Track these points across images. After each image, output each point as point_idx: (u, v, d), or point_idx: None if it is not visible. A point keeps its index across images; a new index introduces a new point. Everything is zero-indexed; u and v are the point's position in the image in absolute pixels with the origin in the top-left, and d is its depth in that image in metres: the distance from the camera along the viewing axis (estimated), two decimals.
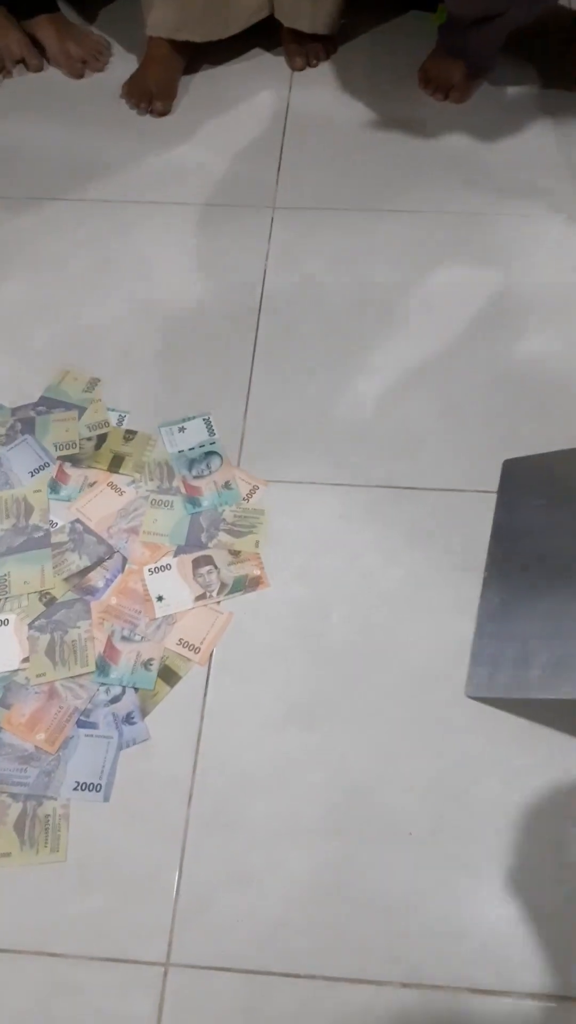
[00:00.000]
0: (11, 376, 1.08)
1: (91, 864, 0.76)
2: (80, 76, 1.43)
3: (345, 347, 1.10)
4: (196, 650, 0.88)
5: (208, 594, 0.91)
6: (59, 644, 0.88)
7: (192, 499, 0.98)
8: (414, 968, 0.71)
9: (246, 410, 1.05)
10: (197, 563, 0.93)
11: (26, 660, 0.87)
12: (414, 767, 0.80)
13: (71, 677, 0.86)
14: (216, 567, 0.93)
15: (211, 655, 0.87)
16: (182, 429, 1.03)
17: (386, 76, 1.41)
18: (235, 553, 0.94)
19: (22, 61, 1.43)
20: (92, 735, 0.83)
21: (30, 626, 0.89)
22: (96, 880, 0.76)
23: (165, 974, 0.72)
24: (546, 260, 1.17)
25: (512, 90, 1.38)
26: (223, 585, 0.92)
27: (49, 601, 0.91)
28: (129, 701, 0.85)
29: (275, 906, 0.74)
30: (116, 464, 1.00)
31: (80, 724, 0.83)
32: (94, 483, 0.99)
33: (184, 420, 1.04)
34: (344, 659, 0.87)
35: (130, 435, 1.03)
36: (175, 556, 0.93)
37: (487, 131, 1.32)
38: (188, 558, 0.93)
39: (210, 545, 0.94)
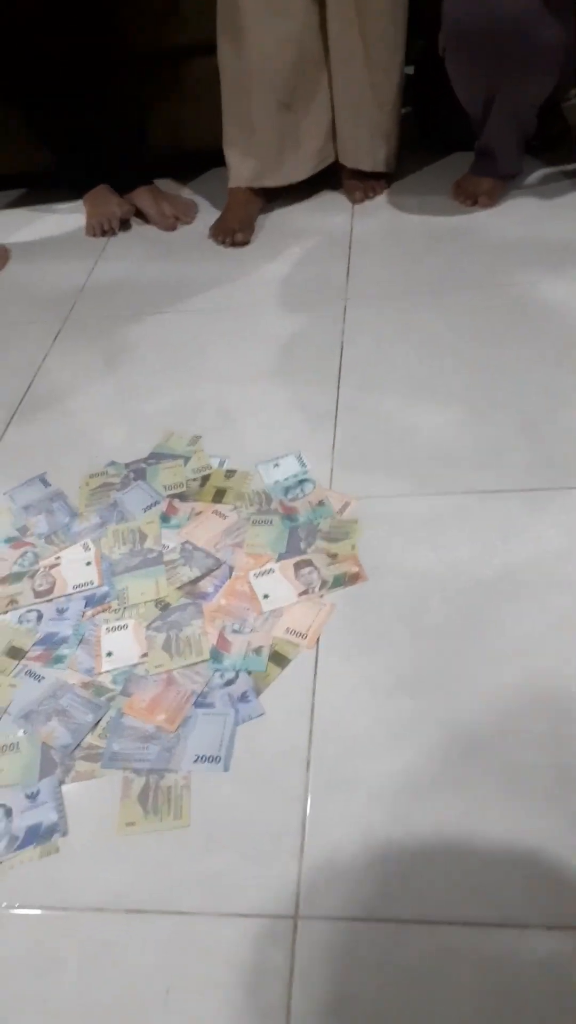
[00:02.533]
0: (124, 441, 1.22)
1: (215, 828, 0.77)
2: (173, 229, 1.71)
3: (419, 391, 1.20)
4: (303, 636, 0.91)
5: (310, 590, 0.96)
6: (175, 640, 0.93)
7: (290, 516, 1.05)
8: (561, 912, 0.67)
9: (333, 446, 1.15)
10: (298, 566, 0.99)
11: (145, 655, 0.92)
12: (531, 723, 0.80)
13: (187, 666, 0.90)
14: (316, 568, 0.98)
15: (318, 640, 0.91)
16: (277, 465, 1.13)
17: (434, 200, 1.64)
18: (333, 555, 0.99)
19: (124, 222, 1.73)
20: (209, 714, 0.86)
21: (147, 628, 0.95)
22: (221, 842, 0.76)
23: (295, 927, 0.69)
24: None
25: (534, 188, 1.59)
26: (324, 582, 0.97)
27: (164, 607, 0.97)
28: (243, 683, 0.88)
29: (403, 857, 0.72)
30: (219, 496, 1.10)
31: (198, 705, 0.87)
32: (200, 512, 1.08)
33: (278, 458, 1.14)
34: (446, 636, 0.89)
35: (230, 473, 1.13)
36: (277, 562, 1.00)
37: (516, 224, 1.51)
38: (289, 563, 0.99)
39: (309, 551, 1.01)
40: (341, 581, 0.96)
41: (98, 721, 0.87)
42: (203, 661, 0.90)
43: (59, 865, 0.76)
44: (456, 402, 1.17)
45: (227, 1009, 0.66)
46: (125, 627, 0.95)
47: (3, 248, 1.74)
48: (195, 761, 0.82)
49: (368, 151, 1.59)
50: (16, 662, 0.94)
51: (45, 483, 1.17)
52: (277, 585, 0.97)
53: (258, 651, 0.90)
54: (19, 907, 0.74)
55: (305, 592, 0.96)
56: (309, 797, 0.78)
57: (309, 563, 0.99)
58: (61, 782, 0.82)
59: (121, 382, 1.34)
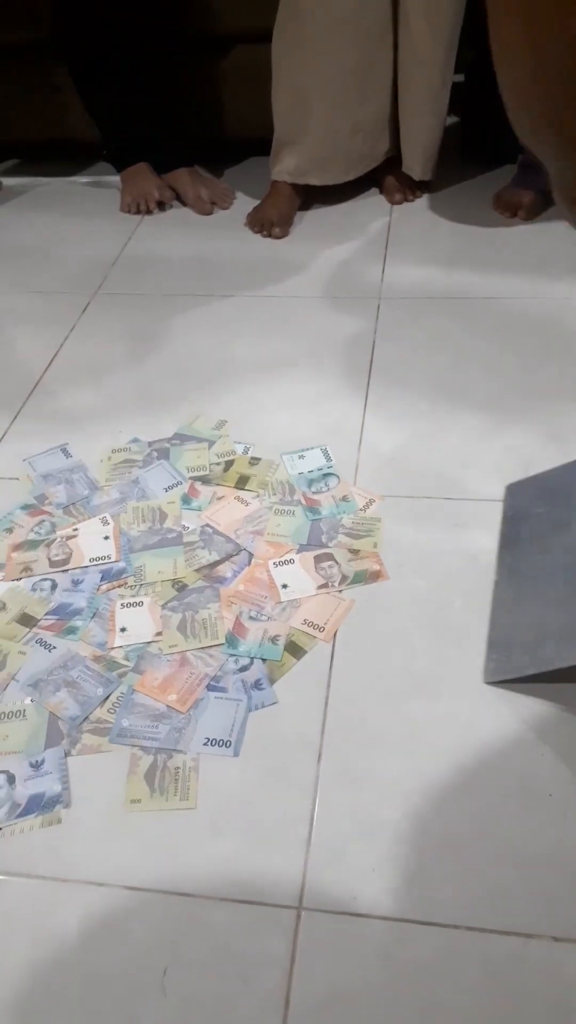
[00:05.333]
0: (149, 421, 1.21)
1: (222, 812, 0.76)
2: (209, 214, 1.70)
3: (448, 396, 1.20)
4: (320, 629, 0.90)
5: (330, 584, 0.95)
6: (190, 621, 0.92)
7: (312, 509, 1.04)
8: (569, 923, 0.67)
9: (360, 443, 1.14)
10: (319, 559, 0.98)
11: (159, 634, 0.91)
12: (550, 734, 0.79)
13: (202, 648, 0.89)
14: (337, 562, 0.97)
15: (335, 634, 0.90)
16: (302, 456, 1.12)
17: (473, 210, 1.63)
18: (354, 552, 0.99)
19: (160, 204, 1.72)
20: (222, 697, 0.85)
21: (163, 607, 0.94)
22: (227, 827, 0.75)
23: (298, 917, 0.69)
24: None
25: None
26: (344, 577, 0.96)
27: (181, 588, 0.96)
28: (257, 670, 0.87)
29: (411, 856, 0.72)
30: (242, 483, 1.09)
31: (210, 688, 0.86)
32: (222, 497, 1.07)
33: (304, 450, 1.13)
34: (469, 640, 0.88)
35: (255, 461, 1.12)
36: (298, 553, 0.99)
37: (554, 240, 1.51)
38: (310, 555, 0.99)
39: (330, 545, 1.00)
40: (362, 578, 0.96)
41: (108, 696, 0.86)
42: (218, 645, 0.90)
43: (61, 836, 0.75)
44: (484, 410, 1.17)
45: (225, 994, 0.65)
46: (140, 604, 0.94)
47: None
48: (205, 744, 0.81)
49: (420, 157, 1.58)
50: (27, 629, 0.93)
51: (67, 454, 1.16)
52: (296, 576, 0.96)
53: (275, 640, 0.90)
54: (19, 875, 0.73)
55: (324, 585, 0.95)
56: (319, 789, 0.77)
57: (330, 557, 0.98)
58: (67, 753, 0.81)
59: (148, 360, 1.33)
